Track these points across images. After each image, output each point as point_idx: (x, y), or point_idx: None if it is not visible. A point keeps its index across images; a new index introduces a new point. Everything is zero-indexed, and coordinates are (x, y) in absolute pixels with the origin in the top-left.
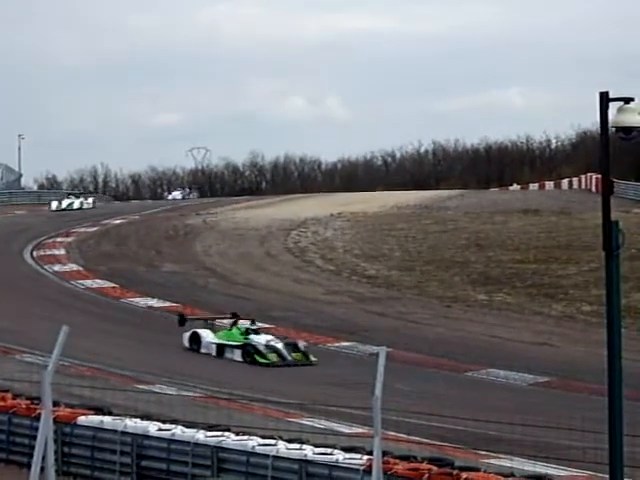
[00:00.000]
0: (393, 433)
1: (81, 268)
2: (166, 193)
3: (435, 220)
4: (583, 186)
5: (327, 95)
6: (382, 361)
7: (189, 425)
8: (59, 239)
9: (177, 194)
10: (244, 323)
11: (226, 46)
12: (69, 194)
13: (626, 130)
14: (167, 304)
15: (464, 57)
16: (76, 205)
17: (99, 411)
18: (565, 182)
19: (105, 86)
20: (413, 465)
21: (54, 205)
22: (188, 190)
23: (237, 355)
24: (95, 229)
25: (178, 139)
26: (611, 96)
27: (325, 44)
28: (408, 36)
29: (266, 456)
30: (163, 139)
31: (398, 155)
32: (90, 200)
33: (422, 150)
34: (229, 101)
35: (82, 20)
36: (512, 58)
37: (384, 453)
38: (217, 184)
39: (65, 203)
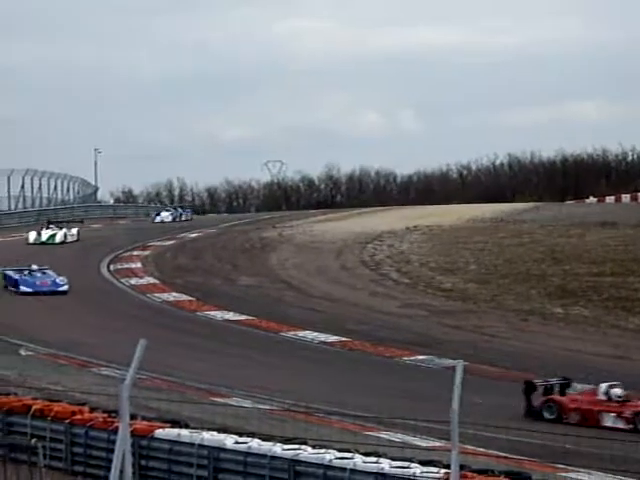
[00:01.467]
0: (471, 446)
1: (157, 281)
2: (153, 214)
3: (511, 233)
4: None
5: (401, 108)
6: (459, 374)
7: (266, 438)
8: (135, 252)
9: (166, 215)
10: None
11: (301, 60)
12: (49, 223)
13: None
14: (243, 317)
15: (540, 69)
16: (58, 238)
17: (176, 424)
18: None
19: (181, 100)
20: (490, 479)
21: (31, 237)
22: (180, 211)
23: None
24: (171, 242)
25: (253, 152)
26: None
27: (399, 58)
28: (482, 49)
29: (343, 469)
30: (238, 152)
31: (474, 168)
32: (74, 231)
33: (497, 163)
34: (304, 114)
35: (159, 36)
36: (588, 70)
37: (461, 467)
38: (292, 197)
39: (45, 235)
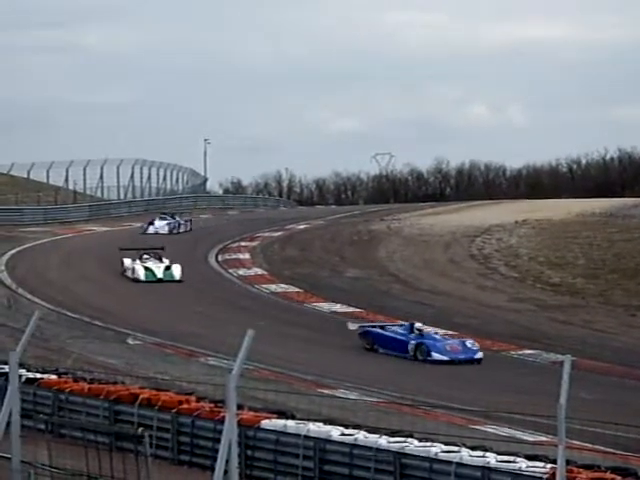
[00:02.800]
0: (577, 442)
1: (265, 272)
2: (143, 224)
3: (620, 228)
4: None
5: (509, 102)
6: (567, 369)
7: (372, 430)
8: (243, 243)
9: (162, 225)
10: None
11: (409, 51)
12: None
13: None
14: (350, 309)
15: None
16: (177, 274)
17: (282, 415)
18: None
19: (288, 91)
20: (597, 474)
21: (141, 274)
22: (179, 219)
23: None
24: (279, 234)
25: (362, 145)
26: None
27: (506, 51)
28: (592, 43)
29: (449, 463)
30: (347, 144)
31: (583, 162)
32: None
33: (608, 157)
34: (411, 107)
35: (268, 25)
36: None
37: (568, 462)
38: (401, 190)
39: (158, 270)
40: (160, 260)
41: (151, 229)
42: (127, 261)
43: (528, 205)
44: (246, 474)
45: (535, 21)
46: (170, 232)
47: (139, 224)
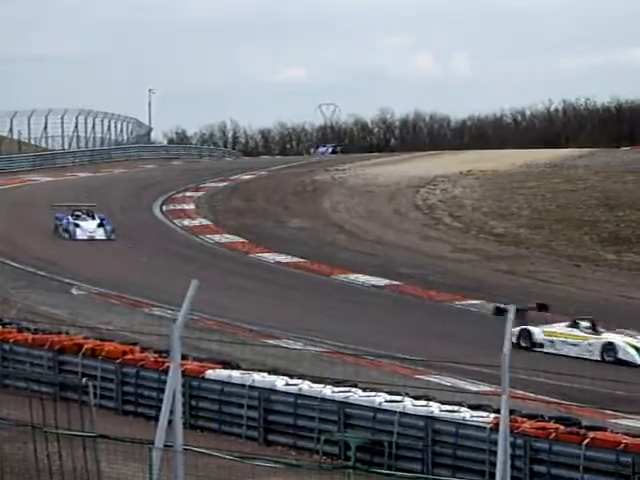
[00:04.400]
0: (521, 392)
1: (210, 223)
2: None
3: (565, 179)
4: None
5: (455, 52)
6: (511, 319)
7: (316, 380)
8: (188, 194)
9: (91, 228)
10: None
11: (354, 1)
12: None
13: None
14: (295, 260)
15: (597, 14)
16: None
17: (227, 365)
18: None
19: (233, 41)
20: (540, 424)
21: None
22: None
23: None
24: (224, 184)
25: (306, 95)
26: None
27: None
28: None
29: (393, 412)
30: (292, 95)
31: (528, 113)
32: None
33: (552, 108)
34: (356, 57)
35: None
36: None
37: (511, 411)
38: (346, 140)
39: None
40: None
41: (79, 234)
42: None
43: (472, 156)
44: (190, 424)
45: None
46: (333, 152)
47: (83, 174)
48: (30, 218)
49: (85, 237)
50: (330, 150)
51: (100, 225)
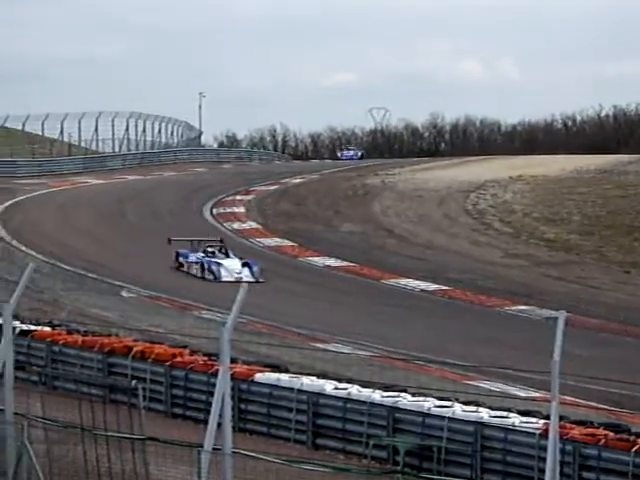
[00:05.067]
0: (570, 398)
1: (260, 226)
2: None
3: (615, 185)
4: None
5: (504, 57)
6: (561, 325)
7: (365, 385)
8: (238, 197)
9: (353, 153)
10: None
11: (403, 5)
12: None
13: None
14: (345, 264)
15: None
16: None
17: (276, 369)
18: None
19: (284, 45)
20: (590, 430)
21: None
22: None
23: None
24: (274, 188)
25: (357, 99)
26: None
27: (503, 5)
28: None
29: (442, 418)
30: (342, 99)
31: (579, 119)
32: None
33: (603, 114)
34: (407, 61)
35: None
36: None
37: (561, 418)
38: (396, 145)
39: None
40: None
41: (348, 153)
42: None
43: (523, 161)
44: (239, 427)
45: None
46: (361, 157)
47: (132, 177)
48: (80, 220)
49: (232, 279)
50: (360, 154)
51: (244, 264)
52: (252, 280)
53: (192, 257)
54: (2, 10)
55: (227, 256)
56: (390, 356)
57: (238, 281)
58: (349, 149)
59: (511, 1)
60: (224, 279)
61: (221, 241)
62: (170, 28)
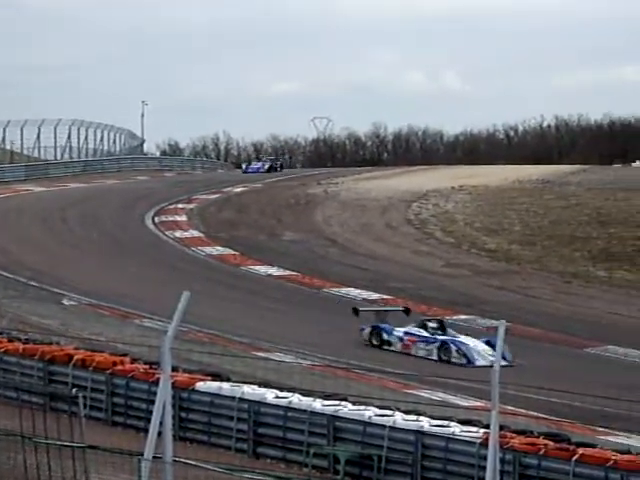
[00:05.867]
0: (511, 407)
1: (202, 235)
2: (244, 165)
3: (557, 195)
4: None
5: (447, 68)
6: (501, 334)
7: (306, 393)
8: (180, 205)
9: (259, 165)
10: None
11: (347, 15)
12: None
13: None
14: (287, 273)
15: (590, 32)
16: None
17: (217, 377)
18: None
19: (226, 54)
20: (530, 440)
21: None
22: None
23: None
24: (217, 196)
25: (299, 108)
26: None
27: (446, 16)
28: (530, 10)
29: (382, 426)
30: (284, 108)
31: (520, 129)
32: None
33: (544, 124)
34: (349, 71)
35: None
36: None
37: (501, 427)
38: (338, 154)
39: None
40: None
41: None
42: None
43: (465, 171)
44: (180, 436)
45: None
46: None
47: (75, 184)
48: (22, 227)
49: (486, 363)
50: (267, 167)
51: (487, 342)
52: (506, 364)
53: (399, 333)
54: None
55: (444, 330)
56: (331, 365)
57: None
58: (260, 160)
59: (453, 12)
60: (478, 364)
61: (406, 311)
62: (115, 34)
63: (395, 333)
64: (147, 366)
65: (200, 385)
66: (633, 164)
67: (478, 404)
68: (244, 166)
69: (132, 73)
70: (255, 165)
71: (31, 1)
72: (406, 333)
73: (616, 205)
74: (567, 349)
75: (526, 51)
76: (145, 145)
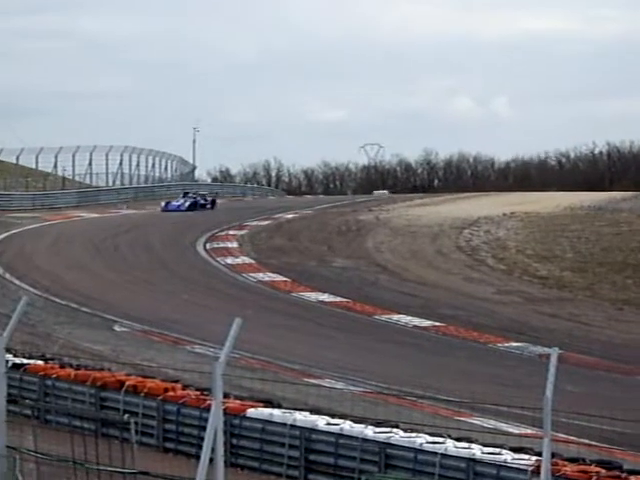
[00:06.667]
0: (563, 435)
1: (253, 261)
2: (163, 202)
3: (609, 222)
4: None
5: (498, 94)
6: (554, 362)
7: (358, 420)
8: (232, 232)
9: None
10: None
11: (398, 43)
12: None
13: None
14: (338, 299)
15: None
16: None
17: (269, 404)
18: None
19: (279, 81)
20: (582, 467)
21: None
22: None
23: None
24: (267, 223)
25: (351, 135)
26: None
27: (496, 42)
28: (582, 36)
29: (434, 454)
30: (336, 135)
31: (572, 155)
32: None
33: (596, 151)
34: (400, 98)
35: (258, 16)
36: None
37: (553, 455)
38: (389, 181)
39: None
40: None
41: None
42: None
43: (516, 198)
44: (231, 463)
45: (526, 13)
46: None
47: (126, 211)
48: (74, 253)
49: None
50: (187, 204)
51: None
52: None
53: None
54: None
55: None
56: (383, 392)
57: None
58: (185, 195)
59: (505, 39)
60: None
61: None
62: (167, 63)
63: None
64: (198, 392)
65: (251, 412)
66: None
67: (530, 431)
68: (163, 203)
69: (184, 100)
70: (175, 202)
71: (81, 29)
72: None
73: None
74: (619, 376)
75: (577, 77)
76: (196, 172)
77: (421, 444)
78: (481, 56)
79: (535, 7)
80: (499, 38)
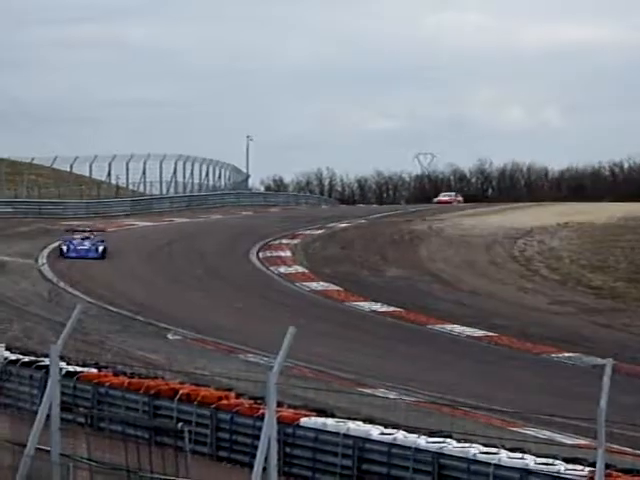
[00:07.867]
0: (617, 446)
1: (306, 270)
2: (64, 245)
3: None
4: None
5: (551, 103)
6: (608, 373)
7: (411, 430)
8: (285, 241)
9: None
10: None
11: (449, 52)
12: None
13: None
14: (391, 309)
15: None
16: None
17: (322, 413)
18: None
19: (331, 90)
20: (636, 479)
21: None
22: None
23: None
24: (321, 232)
25: (404, 144)
26: None
27: (550, 52)
28: (634, 44)
29: (487, 464)
30: (389, 144)
31: (626, 165)
32: None
33: None
34: (453, 107)
35: (312, 25)
36: None
37: (607, 465)
38: (443, 190)
39: None
40: None
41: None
42: None
43: (570, 208)
44: (284, 471)
45: (575, 22)
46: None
47: (179, 219)
48: (127, 262)
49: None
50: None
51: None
52: None
53: None
54: (55, 54)
55: None
56: (436, 402)
57: None
58: (89, 237)
59: (556, 48)
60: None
61: None
62: (219, 72)
63: None
64: (252, 401)
65: (305, 421)
66: None
67: (583, 442)
68: (64, 246)
69: (237, 109)
70: (82, 245)
71: (133, 39)
72: None
73: None
74: None
75: (630, 85)
76: (250, 181)
77: (474, 454)
78: (533, 64)
79: (580, 16)
80: (551, 46)
